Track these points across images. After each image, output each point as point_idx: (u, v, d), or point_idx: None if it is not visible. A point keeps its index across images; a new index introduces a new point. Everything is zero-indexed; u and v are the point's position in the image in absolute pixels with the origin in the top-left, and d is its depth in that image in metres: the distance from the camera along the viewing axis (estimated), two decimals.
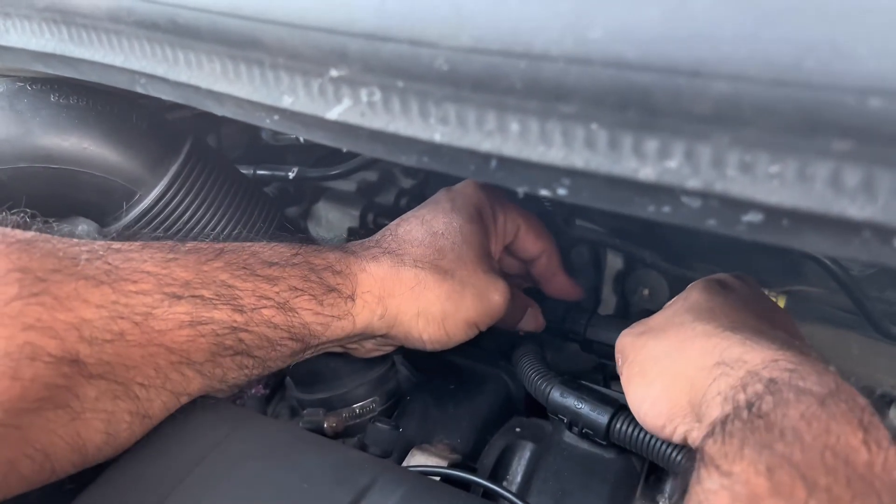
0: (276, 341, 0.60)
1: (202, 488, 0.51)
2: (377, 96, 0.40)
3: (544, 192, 0.38)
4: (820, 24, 0.27)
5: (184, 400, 0.56)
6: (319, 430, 0.76)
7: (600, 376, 0.90)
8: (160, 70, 0.50)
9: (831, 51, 0.27)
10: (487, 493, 0.67)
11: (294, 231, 0.78)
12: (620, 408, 0.68)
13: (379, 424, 0.71)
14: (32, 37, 0.56)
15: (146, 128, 0.69)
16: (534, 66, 0.33)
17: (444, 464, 0.69)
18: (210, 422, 0.56)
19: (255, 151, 1.04)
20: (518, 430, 0.79)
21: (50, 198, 0.68)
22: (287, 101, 0.44)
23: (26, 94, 0.65)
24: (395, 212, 1.06)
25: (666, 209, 0.35)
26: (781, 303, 0.89)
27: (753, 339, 0.52)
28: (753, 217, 0.33)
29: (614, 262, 1.03)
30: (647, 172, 0.33)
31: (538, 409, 0.77)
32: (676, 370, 0.56)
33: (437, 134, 0.39)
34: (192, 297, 0.55)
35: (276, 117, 0.46)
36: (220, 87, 0.47)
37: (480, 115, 0.37)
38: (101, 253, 0.53)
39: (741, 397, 0.46)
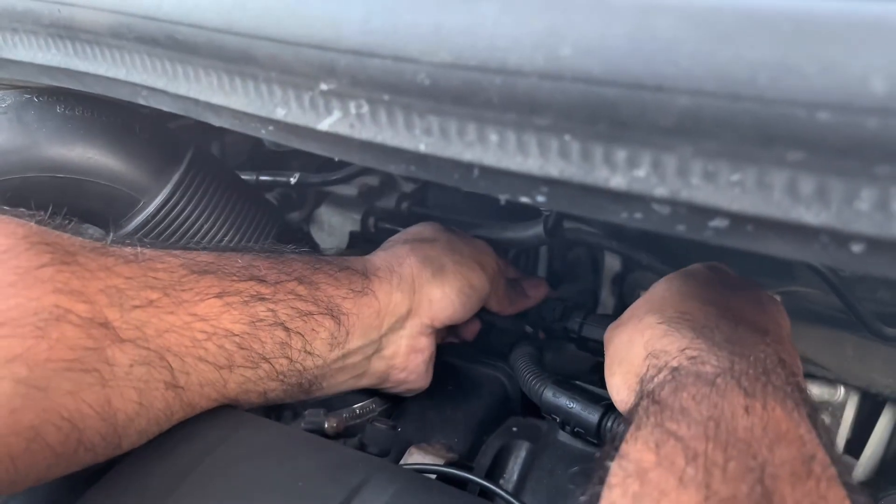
0: (308, 313, 0.61)
1: (202, 487, 0.53)
2: (365, 109, 0.42)
3: (524, 200, 0.40)
4: (772, 44, 0.29)
5: (226, 375, 0.56)
6: (320, 431, 0.77)
7: (597, 377, 0.91)
8: (160, 83, 0.52)
9: (782, 68, 0.28)
10: (484, 493, 0.68)
11: (296, 236, 0.80)
12: (611, 407, 0.69)
13: (377, 424, 0.72)
14: (39, 51, 0.58)
15: (149, 137, 0.71)
16: (509, 81, 0.35)
17: (441, 462, 0.71)
18: (211, 423, 0.58)
19: (259, 157, 1.06)
20: (515, 430, 0.81)
21: (57, 206, 0.70)
22: (280, 113, 0.45)
23: (33, 106, 0.68)
24: (396, 216, 1.08)
25: (638, 215, 0.36)
26: None
27: (675, 329, 0.56)
28: (719, 223, 0.34)
29: (612, 264, 1.04)
30: (617, 181, 0.35)
31: (535, 409, 0.79)
32: (629, 361, 0.59)
33: (422, 144, 0.41)
34: (217, 272, 0.57)
35: (270, 128, 0.48)
36: (218, 99, 0.49)
37: (461, 127, 0.39)
38: (127, 241, 0.57)
39: (648, 387, 0.50)
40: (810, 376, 0.94)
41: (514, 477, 0.76)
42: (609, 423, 0.68)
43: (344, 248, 1.07)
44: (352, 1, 0.39)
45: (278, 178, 0.95)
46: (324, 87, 0.42)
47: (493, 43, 0.35)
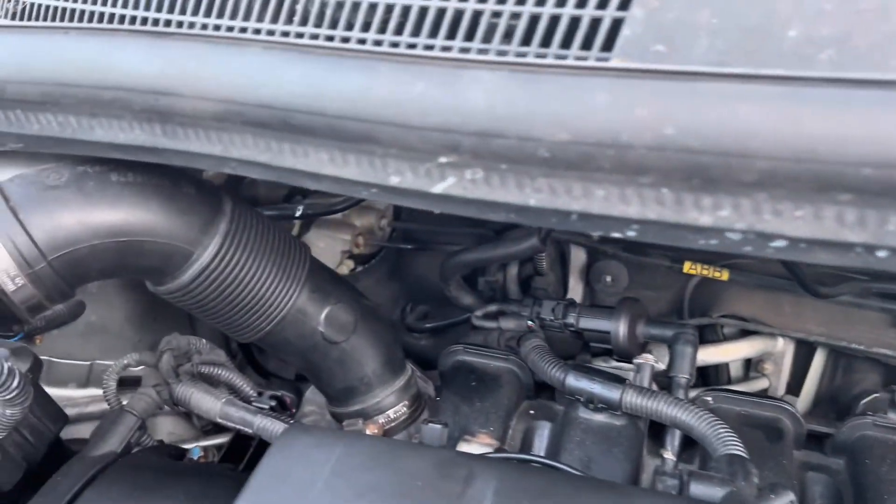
0: None
1: (329, 499, 0.61)
2: (480, 174, 0.51)
3: (615, 235, 0.51)
4: (823, 119, 0.41)
5: None
6: None
7: (588, 355, 1.05)
8: (262, 158, 0.58)
9: (833, 139, 0.41)
10: None
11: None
12: (627, 385, 0.82)
13: (432, 424, 0.82)
14: (120, 132, 0.63)
15: (195, 193, 0.77)
16: (620, 153, 0.46)
17: (491, 449, 0.82)
18: (319, 445, 0.66)
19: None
20: (532, 412, 0.93)
21: (119, 266, 0.75)
22: (394, 181, 0.54)
23: (90, 178, 0.72)
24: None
25: (713, 242, 0.48)
26: (725, 276, 1.06)
27: None
28: (780, 244, 0.47)
29: (578, 255, 1.17)
30: (705, 220, 0.47)
31: (541, 390, 0.92)
32: None
33: (532, 200, 0.51)
34: None
35: (374, 191, 0.56)
36: (327, 171, 0.56)
37: (568, 185, 0.49)
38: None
39: None
40: (755, 333, 1.11)
41: (543, 454, 0.88)
42: (628, 398, 0.81)
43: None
44: (473, 91, 0.49)
45: (284, 212, 1.01)
46: (443, 160, 0.51)
47: (607, 125, 0.45)
